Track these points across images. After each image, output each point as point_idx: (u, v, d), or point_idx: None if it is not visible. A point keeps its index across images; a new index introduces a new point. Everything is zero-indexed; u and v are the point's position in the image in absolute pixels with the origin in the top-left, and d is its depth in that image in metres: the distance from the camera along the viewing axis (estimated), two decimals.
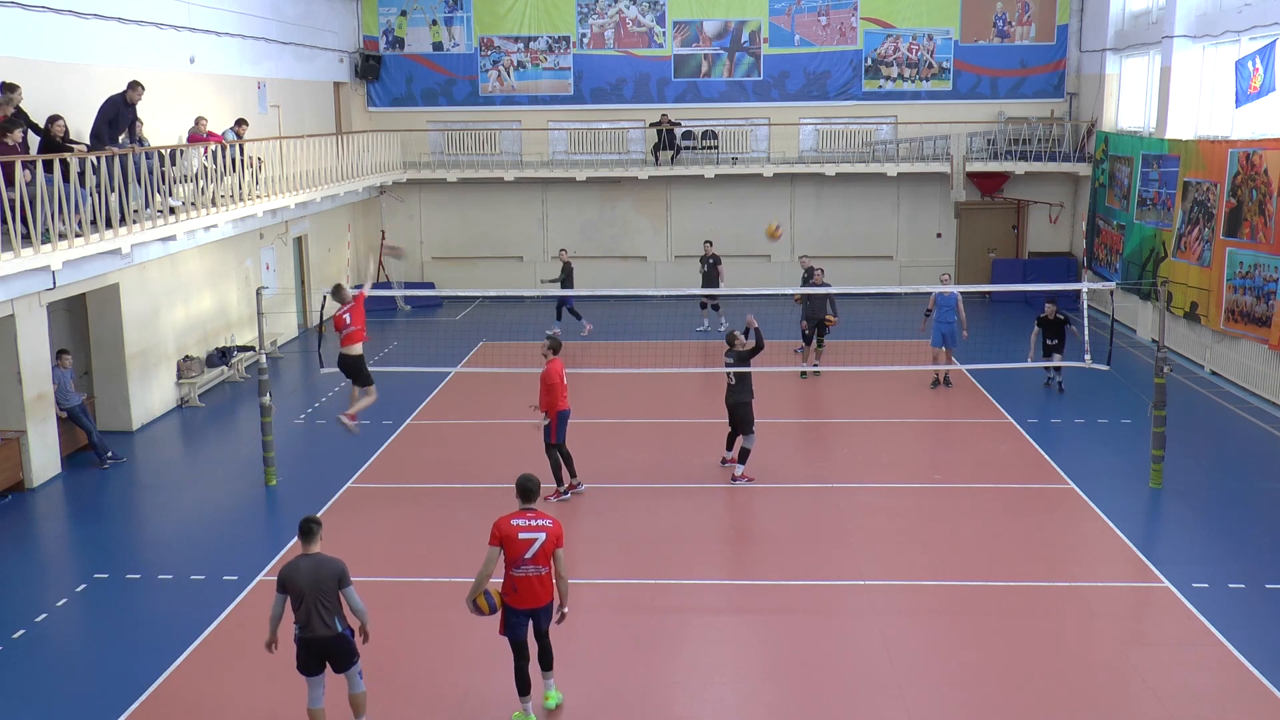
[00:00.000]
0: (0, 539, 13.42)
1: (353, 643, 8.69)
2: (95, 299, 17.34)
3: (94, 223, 14.72)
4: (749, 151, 29.43)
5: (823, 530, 13.38)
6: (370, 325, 15.25)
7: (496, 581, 9.07)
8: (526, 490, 9.02)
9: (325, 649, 8.56)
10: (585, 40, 29.53)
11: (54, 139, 14.49)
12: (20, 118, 14.15)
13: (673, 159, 28.87)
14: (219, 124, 19.81)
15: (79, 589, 11.94)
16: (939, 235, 29.49)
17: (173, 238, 16.82)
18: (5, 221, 12.97)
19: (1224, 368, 19.76)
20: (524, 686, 9.13)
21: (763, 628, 11.03)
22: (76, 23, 16.68)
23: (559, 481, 14.26)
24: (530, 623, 9.07)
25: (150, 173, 16.05)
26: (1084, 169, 27.38)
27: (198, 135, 18.39)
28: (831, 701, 9.56)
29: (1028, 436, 16.84)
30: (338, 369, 14.68)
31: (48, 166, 13.50)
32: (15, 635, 10.87)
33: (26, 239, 13.26)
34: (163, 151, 16.60)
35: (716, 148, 29.32)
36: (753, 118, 29.55)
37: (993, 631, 10.79)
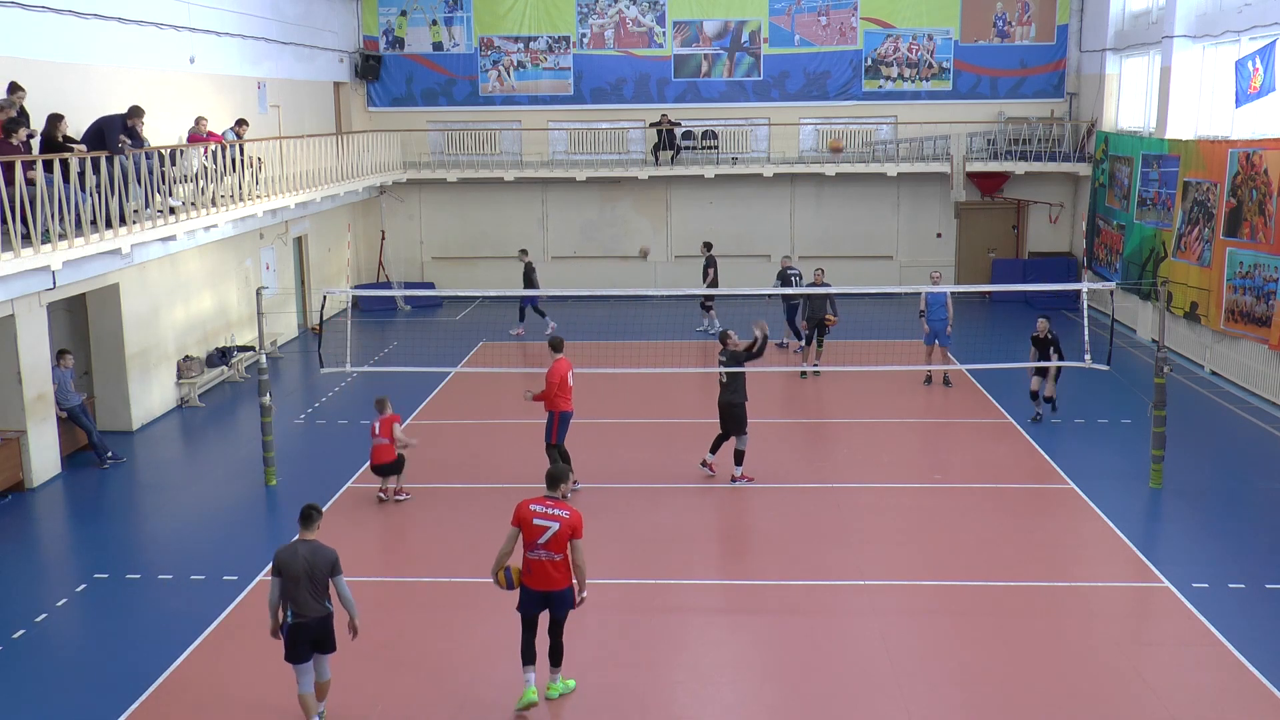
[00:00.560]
0: (0, 539, 13.43)
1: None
2: (95, 299, 17.34)
3: (94, 223, 14.72)
4: (749, 151, 29.43)
5: (822, 530, 13.38)
6: (371, 325, 15.23)
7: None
8: (552, 478, 9.36)
9: (316, 631, 8.80)
10: (585, 40, 29.53)
11: (55, 139, 14.49)
12: (24, 118, 14.15)
13: (673, 159, 28.86)
14: (219, 124, 19.82)
15: (79, 589, 11.94)
16: (939, 235, 29.48)
17: (173, 238, 16.83)
18: (5, 221, 12.97)
19: (1224, 368, 19.76)
20: (529, 657, 9.32)
21: (762, 628, 11.03)
22: (76, 23, 16.68)
23: None
24: (546, 609, 9.25)
25: (150, 173, 16.05)
26: (1084, 169, 27.38)
27: (198, 135, 18.39)
28: (831, 701, 9.56)
29: (1028, 436, 16.84)
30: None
31: (48, 166, 13.51)
32: (15, 635, 10.87)
33: (26, 239, 13.26)
34: (163, 151, 16.59)
35: (716, 148, 29.31)
36: (753, 118, 29.55)
37: (993, 631, 10.79)
